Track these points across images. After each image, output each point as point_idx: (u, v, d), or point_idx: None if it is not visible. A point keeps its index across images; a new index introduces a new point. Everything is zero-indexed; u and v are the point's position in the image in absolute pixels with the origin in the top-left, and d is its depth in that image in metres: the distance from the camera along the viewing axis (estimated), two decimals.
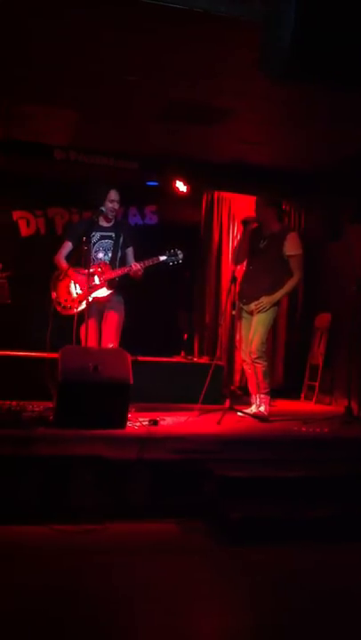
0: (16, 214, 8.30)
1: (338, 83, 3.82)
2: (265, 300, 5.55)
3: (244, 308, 5.72)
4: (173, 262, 5.52)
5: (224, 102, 5.72)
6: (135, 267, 5.35)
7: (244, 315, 5.75)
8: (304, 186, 7.63)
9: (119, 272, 5.41)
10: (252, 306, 5.62)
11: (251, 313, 5.67)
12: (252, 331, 5.61)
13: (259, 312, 5.58)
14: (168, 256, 5.48)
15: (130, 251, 5.57)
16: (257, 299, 5.59)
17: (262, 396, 5.63)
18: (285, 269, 5.61)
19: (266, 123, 6.15)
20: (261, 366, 5.58)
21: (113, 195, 5.48)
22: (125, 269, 5.40)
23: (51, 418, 4.64)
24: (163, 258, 5.47)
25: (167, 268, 5.52)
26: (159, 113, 6.02)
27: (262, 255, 5.69)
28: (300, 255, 5.68)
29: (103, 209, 5.46)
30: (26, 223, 8.31)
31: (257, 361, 5.58)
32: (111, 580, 2.96)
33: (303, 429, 5.23)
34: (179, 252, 5.53)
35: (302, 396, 7.92)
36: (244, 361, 5.79)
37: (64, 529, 3.46)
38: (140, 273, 5.37)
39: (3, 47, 4.85)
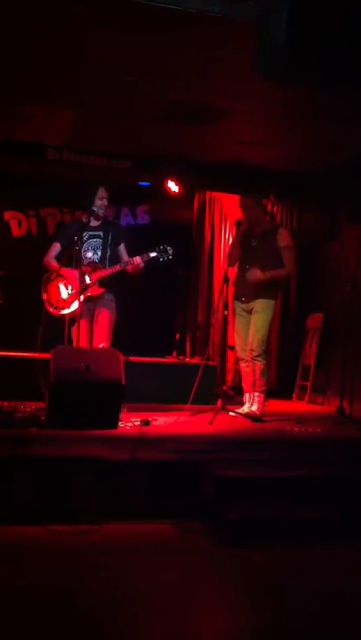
0: (7, 214, 8.27)
1: (332, 82, 3.85)
2: (259, 274, 5.54)
3: (242, 306, 5.73)
4: (163, 258, 5.48)
5: (220, 103, 5.72)
6: (136, 260, 5.34)
7: (241, 312, 5.75)
8: (300, 186, 7.64)
9: (110, 270, 5.40)
10: (252, 304, 5.63)
11: (249, 311, 5.68)
12: (253, 329, 5.62)
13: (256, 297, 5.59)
14: (158, 252, 5.45)
15: (122, 247, 5.56)
16: (256, 297, 5.61)
17: (257, 393, 5.64)
18: (279, 266, 5.63)
19: (262, 123, 6.15)
20: (260, 364, 5.59)
21: (102, 192, 5.49)
22: (117, 267, 5.38)
23: (43, 418, 4.62)
24: (153, 254, 5.44)
25: (158, 265, 5.50)
26: (157, 113, 6.01)
27: (255, 254, 5.70)
28: (293, 248, 5.73)
29: (94, 208, 5.45)
30: (17, 223, 8.28)
31: (257, 359, 5.59)
32: (109, 581, 2.95)
33: (296, 429, 5.24)
34: (168, 247, 5.48)
35: (294, 395, 7.94)
36: (242, 359, 5.78)
37: (61, 529, 3.44)
38: (141, 266, 5.36)
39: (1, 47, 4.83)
